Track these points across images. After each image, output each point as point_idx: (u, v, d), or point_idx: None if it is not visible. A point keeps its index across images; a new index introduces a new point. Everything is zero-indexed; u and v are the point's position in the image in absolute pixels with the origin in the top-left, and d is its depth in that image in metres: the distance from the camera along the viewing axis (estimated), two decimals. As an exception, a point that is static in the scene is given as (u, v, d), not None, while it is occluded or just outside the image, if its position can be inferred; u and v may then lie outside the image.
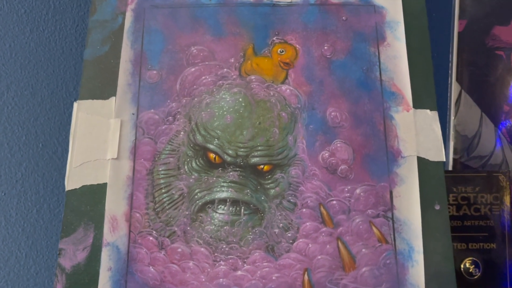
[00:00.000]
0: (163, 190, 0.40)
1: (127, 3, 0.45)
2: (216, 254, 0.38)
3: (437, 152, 0.40)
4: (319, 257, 0.38)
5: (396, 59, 0.43)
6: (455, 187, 0.44)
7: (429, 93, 0.42)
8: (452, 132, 0.47)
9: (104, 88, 0.42)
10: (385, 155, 0.40)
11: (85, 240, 0.39)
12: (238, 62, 0.43)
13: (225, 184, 0.40)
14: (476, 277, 0.43)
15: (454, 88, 0.47)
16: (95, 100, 0.42)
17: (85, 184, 0.40)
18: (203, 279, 0.38)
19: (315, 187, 0.40)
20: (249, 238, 0.39)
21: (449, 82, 0.48)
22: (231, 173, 0.40)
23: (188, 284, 0.38)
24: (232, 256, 0.38)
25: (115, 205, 0.39)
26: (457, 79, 0.47)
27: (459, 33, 0.48)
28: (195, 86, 0.42)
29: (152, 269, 0.38)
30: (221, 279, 0.38)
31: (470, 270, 0.43)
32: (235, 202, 0.40)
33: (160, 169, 0.40)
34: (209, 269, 0.38)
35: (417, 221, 0.39)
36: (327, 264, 0.38)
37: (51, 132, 0.48)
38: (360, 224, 0.39)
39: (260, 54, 0.43)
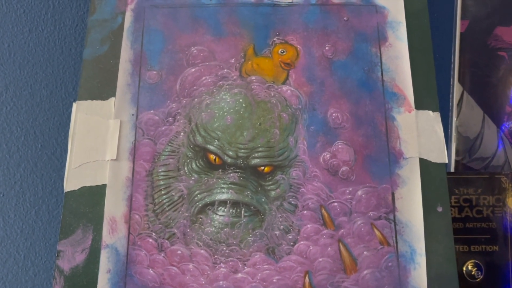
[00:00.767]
0: (162, 192, 0.40)
1: (127, 3, 0.45)
2: (216, 256, 0.38)
3: (439, 154, 0.40)
4: (320, 259, 0.38)
5: (398, 59, 0.42)
6: (457, 189, 0.44)
7: (431, 94, 0.42)
8: (454, 134, 0.46)
9: (104, 89, 0.42)
10: (387, 157, 0.40)
11: (83, 242, 0.38)
12: (239, 62, 0.43)
13: (225, 186, 0.40)
14: (478, 279, 0.43)
15: (456, 89, 0.47)
16: (94, 101, 0.42)
17: (84, 185, 0.40)
18: (203, 282, 0.37)
19: (316, 189, 0.39)
20: (250, 240, 0.38)
21: (451, 83, 0.47)
22: (231, 175, 0.40)
23: (187, 287, 0.37)
24: (232, 259, 0.38)
25: (114, 207, 0.39)
26: (459, 80, 0.47)
27: (461, 33, 0.48)
28: (195, 87, 0.42)
29: (151, 271, 0.38)
30: (221, 282, 0.38)
31: (472, 273, 0.43)
32: (235, 204, 0.39)
33: (160, 170, 0.40)
34: (209, 272, 0.38)
35: (419, 223, 0.39)
36: (328, 267, 0.38)
37: (50, 133, 0.48)
38: (361, 226, 0.39)
39: (260, 55, 0.43)
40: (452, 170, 0.46)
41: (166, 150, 0.41)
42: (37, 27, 0.50)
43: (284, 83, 0.42)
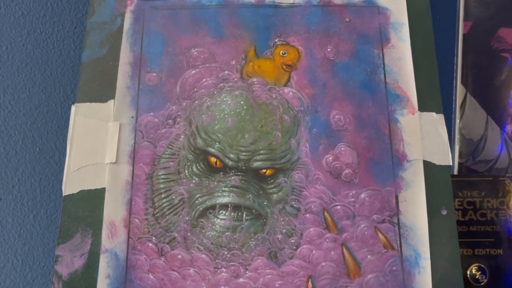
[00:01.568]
0: (162, 195, 0.39)
1: (126, 5, 0.44)
2: (217, 260, 0.37)
3: (443, 156, 0.40)
4: (323, 263, 0.37)
5: (400, 61, 0.42)
6: (461, 192, 0.44)
7: (435, 95, 0.41)
8: (457, 136, 0.46)
9: (103, 91, 0.42)
10: (390, 159, 0.40)
11: (82, 246, 0.38)
12: (240, 64, 0.42)
13: (226, 189, 0.39)
14: (482, 283, 0.42)
15: (459, 91, 0.47)
16: (93, 103, 0.41)
17: (83, 189, 0.39)
18: (204, 287, 0.37)
19: (319, 192, 0.39)
20: (251, 244, 0.38)
21: (454, 85, 0.47)
22: (232, 178, 0.39)
23: (188, 292, 0.37)
24: (233, 263, 0.37)
25: (113, 211, 0.38)
26: (462, 82, 0.47)
27: (463, 35, 0.47)
28: (195, 89, 0.42)
29: (151, 276, 0.37)
30: (222, 287, 0.37)
31: (477, 277, 0.43)
32: (236, 207, 0.39)
33: (160, 173, 0.40)
34: (210, 276, 0.37)
35: (424, 226, 0.38)
36: (332, 271, 0.37)
37: (48, 136, 0.47)
38: (365, 230, 0.38)
39: (262, 56, 0.43)
40: (456, 172, 0.46)
41: (166, 153, 0.40)
42: (35, 29, 0.50)
43: (285, 85, 0.42)
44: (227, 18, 0.44)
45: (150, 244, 0.38)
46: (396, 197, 0.39)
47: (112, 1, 0.44)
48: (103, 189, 0.39)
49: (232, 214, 0.39)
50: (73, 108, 0.41)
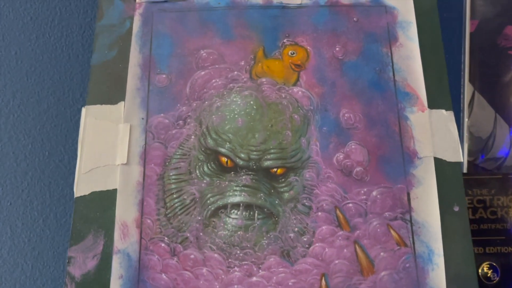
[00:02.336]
0: (174, 195, 0.39)
1: (134, 8, 0.44)
2: (230, 260, 0.37)
3: (454, 153, 0.40)
4: (336, 261, 0.37)
5: (409, 59, 0.42)
6: (470, 190, 0.44)
7: (444, 93, 0.41)
8: (466, 134, 0.46)
9: (112, 93, 0.42)
10: (401, 157, 0.40)
11: (95, 247, 0.38)
12: (249, 64, 0.43)
13: (237, 188, 0.39)
14: (494, 281, 0.42)
15: (467, 89, 0.47)
16: (103, 105, 0.41)
17: (95, 190, 0.39)
18: (217, 286, 0.37)
19: (330, 190, 0.39)
20: (264, 243, 0.38)
21: (462, 83, 0.47)
22: (243, 177, 0.39)
23: (201, 292, 0.37)
24: (246, 262, 0.37)
25: (125, 211, 0.38)
26: (470, 80, 0.47)
27: (470, 33, 0.47)
28: (205, 90, 0.42)
29: (164, 276, 0.37)
30: (235, 286, 0.37)
31: (488, 275, 0.42)
32: (248, 207, 0.39)
33: (171, 174, 0.40)
34: (223, 276, 0.37)
35: (436, 223, 0.38)
36: (345, 269, 0.37)
37: (57, 140, 0.47)
38: (377, 227, 0.38)
39: (270, 57, 0.43)
40: (465, 171, 0.45)
41: (177, 153, 0.40)
42: (44, 34, 0.50)
43: (295, 84, 0.42)
44: (235, 19, 0.44)
45: (163, 244, 0.38)
46: (408, 194, 0.39)
47: (120, 4, 0.45)
48: (115, 190, 0.39)
49: (244, 213, 0.39)
50: (83, 110, 0.41)
